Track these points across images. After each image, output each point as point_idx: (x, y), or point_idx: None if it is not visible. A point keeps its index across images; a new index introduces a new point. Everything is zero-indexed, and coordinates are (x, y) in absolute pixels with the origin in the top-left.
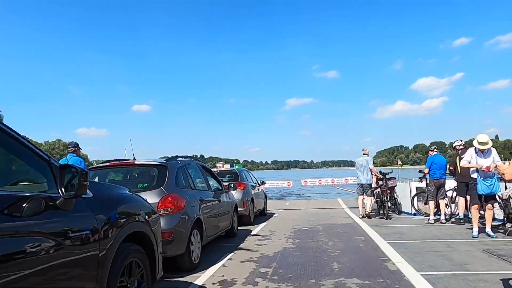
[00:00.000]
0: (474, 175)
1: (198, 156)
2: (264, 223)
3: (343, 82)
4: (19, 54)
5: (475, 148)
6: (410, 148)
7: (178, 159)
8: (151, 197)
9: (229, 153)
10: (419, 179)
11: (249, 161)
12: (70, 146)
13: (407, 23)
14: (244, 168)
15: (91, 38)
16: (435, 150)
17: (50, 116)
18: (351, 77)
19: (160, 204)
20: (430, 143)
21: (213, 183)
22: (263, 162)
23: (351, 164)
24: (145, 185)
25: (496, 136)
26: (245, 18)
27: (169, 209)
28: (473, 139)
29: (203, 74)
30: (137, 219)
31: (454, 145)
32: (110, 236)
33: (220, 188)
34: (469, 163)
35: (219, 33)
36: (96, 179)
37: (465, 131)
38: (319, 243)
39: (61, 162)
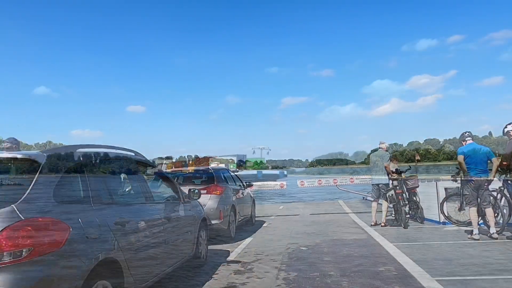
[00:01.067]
0: None
1: (193, 156)
2: (249, 239)
3: (339, 80)
4: (14, 56)
5: None
6: (404, 145)
7: (78, 150)
8: None
9: (225, 153)
10: (452, 178)
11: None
12: (6, 142)
13: (401, 21)
14: (224, 167)
15: (88, 40)
16: (470, 138)
17: (45, 118)
18: (346, 75)
19: (3, 244)
20: (424, 140)
21: (161, 189)
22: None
23: (346, 162)
24: None
25: (490, 133)
26: (240, 18)
27: (23, 252)
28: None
29: (198, 73)
30: None
31: (506, 130)
32: None
33: (177, 196)
34: None
35: (213, 32)
36: None
37: (459, 128)
38: (328, 282)
39: None
